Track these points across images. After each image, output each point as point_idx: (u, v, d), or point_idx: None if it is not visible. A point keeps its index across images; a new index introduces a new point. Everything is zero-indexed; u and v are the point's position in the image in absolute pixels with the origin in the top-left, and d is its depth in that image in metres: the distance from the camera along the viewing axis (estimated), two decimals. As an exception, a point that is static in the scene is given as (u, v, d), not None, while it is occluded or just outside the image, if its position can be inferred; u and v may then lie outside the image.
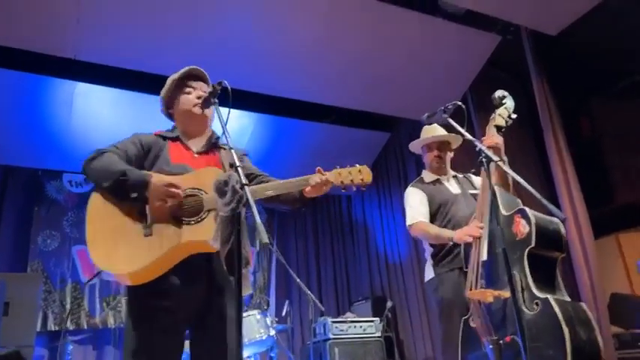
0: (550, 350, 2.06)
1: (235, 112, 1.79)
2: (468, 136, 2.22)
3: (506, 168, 2.01)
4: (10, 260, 5.15)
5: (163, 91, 2.07)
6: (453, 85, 5.07)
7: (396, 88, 5.13)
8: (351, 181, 1.79)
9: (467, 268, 2.56)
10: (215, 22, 4.21)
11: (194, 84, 2.04)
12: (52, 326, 5.05)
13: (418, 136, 3.24)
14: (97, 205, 1.77)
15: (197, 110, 1.97)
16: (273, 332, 4.02)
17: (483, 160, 2.07)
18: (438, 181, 3.08)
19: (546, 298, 2.19)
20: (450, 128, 2.52)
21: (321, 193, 1.83)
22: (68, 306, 5.18)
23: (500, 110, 2.56)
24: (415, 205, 2.98)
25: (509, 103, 2.58)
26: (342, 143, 5.86)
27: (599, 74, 4.91)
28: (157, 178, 1.73)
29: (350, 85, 5.07)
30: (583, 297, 3.94)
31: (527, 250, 2.32)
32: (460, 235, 2.61)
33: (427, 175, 3.15)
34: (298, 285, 4.35)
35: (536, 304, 2.20)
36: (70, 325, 5.13)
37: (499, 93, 2.59)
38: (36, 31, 4.01)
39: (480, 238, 2.44)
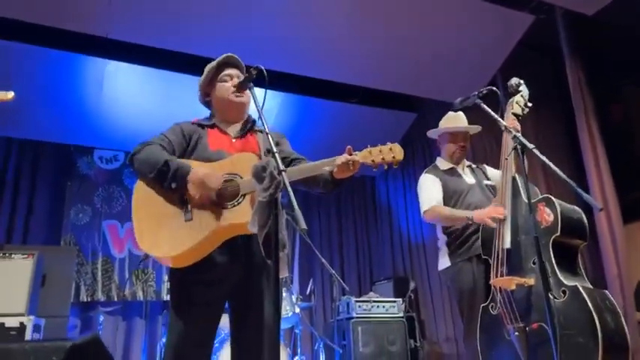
0: (580, 338, 2.07)
1: (260, 92, 1.82)
2: (503, 123, 2.21)
3: (542, 156, 1.99)
4: (44, 233, 5.33)
5: (201, 80, 2.12)
6: (483, 66, 4.98)
7: (422, 69, 5.06)
8: (382, 159, 1.80)
9: (485, 255, 2.58)
10: (245, 2, 4.20)
11: (230, 72, 2.07)
12: (84, 297, 5.25)
13: (443, 118, 3.19)
14: (142, 192, 1.83)
15: (234, 98, 2.02)
16: (298, 310, 4.12)
17: (518, 147, 2.06)
18: (453, 169, 3.04)
19: (575, 286, 2.20)
20: (475, 112, 2.50)
21: (351, 174, 1.83)
22: (99, 278, 5.36)
23: (517, 98, 2.55)
24: (429, 190, 2.95)
25: (525, 91, 2.57)
26: (368, 124, 5.84)
27: (634, 59, 4.77)
28: (194, 171, 1.76)
29: (376, 65, 5.02)
30: (609, 283, 3.91)
31: (552, 238, 2.33)
32: (481, 216, 2.57)
33: (442, 163, 3.10)
34: (321, 264, 4.41)
35: (564, 291, 2.21)
36: (101, 297, 5.32)
37: (515, 81, 2.57)
38: (68, 9, 4.06)
39: (503, 220, 2.44)
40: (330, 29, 4.56)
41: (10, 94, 2.12)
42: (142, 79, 5.07)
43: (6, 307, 3.20)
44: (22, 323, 3.15)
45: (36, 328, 3.29)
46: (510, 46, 4.83)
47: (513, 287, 2.32)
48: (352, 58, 4.91)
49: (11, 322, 3.14)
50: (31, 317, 3.21)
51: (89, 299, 5.27)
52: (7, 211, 5.21)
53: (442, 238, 2.98)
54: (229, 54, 2.10)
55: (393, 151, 1.81)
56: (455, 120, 3.10)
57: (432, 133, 3.20)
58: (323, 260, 4.24)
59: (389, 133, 6.16)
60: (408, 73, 5.12)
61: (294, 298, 4.13)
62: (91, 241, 5.46)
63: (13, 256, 3.37)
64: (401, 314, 4.68)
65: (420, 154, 6.00)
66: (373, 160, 1.79)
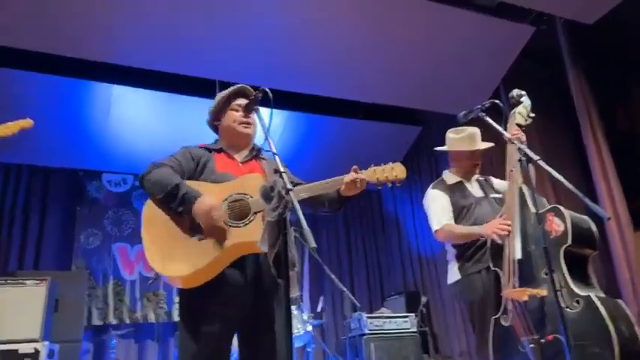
0: (596, 348, 2.05)
1: (265, 112, 1.88)
2: (507, 135, 2.22)
3: (547, 167, 2.00)
4: (55, 258, 5.37)
5: (212, 106, 2.18)
6: (486, 78, 5.02)
7: (425, 82, 5.10)
8: (386, 177, 1.92)
9: (494, 267, 2.56)
10: (247, 23, 4.27)
11: (241, 102, 2.13)
12: (96, 321, 5.26)
13: (449, 130, 3.17)
14: (152, 212, 1.86)
15: (242, 129, 2.09)
16: (309, 328, 4.10)
17: (522, 158, 2.07)
18: (460, 183, 3.01)
19: (588, 296, 2.18)
20: (478, 125, 2.50)
21: (357, 192, 1.93)
22: (111, 301, 5.38)
23: (519, 109, 2.55)
24: (439, 208, 2.92)
25: (527, 101, 2.58)
26: (373, 138, 5.87)
27: (637, 63, 4.78)
28: (200, 202, 1.78)
29: (380, 80, 5.06)
30: (622, 289, 3.87)
31: (563, 248, 2.32)
32: (486, 230, 2.56)
33: (449, 177, 3.06)
34: (331, 281, 4.39)
35: (577, 301, 2.19)
36: (113, 320, 5.33)
37: (516, 92, 2.58)
38: (72, 36, 4.14)
39: (507, 235, 2.43)
40: (333, 47, 4.62)
41: (30, 122, 2.18)
42: (148, 102, 5.16)
43: (20, 334, 3.22)
44: (36, 349, 3.17)
45: (50, 353, 3.30)
46: (512, 58, 4.87)
47: (526, 298, 2.30)
48: (356, 74, 4.95)
49: (25, 349, 3.16)
50: (45, 343, 3.23)
51: (101, 322, 5.29)
52: (18, 237, 5.27)
53: (451, 251, 2.96)
54: (242, 85, 2.15)
55: (394, 170, 1.93)
56: (470, 138, 2.99)
57: (444, 149, 3.15)
58: (333, 277, 4.23)
59: (394, 147, 6.19)
60: (412, 87, 5.16)
61: (305, 316, 4.12)
62: (101, 264, 5.49)
63: (26, 282, 3.40)
64: (414, 329, 4.63)
65: (426, 166, 6.00)
66: (378, 179, 1.92)
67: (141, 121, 5.25)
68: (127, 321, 5.40)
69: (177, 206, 1.80)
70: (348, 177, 1.88)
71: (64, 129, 5.19)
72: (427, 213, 2.99)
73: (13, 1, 3.75)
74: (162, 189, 1.83)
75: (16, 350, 3.15)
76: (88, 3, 3.89)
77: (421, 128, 6.21)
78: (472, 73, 4.98)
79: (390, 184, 1.94)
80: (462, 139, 3.01)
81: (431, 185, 3.09)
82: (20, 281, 3.40)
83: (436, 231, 2.89)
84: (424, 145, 6.12)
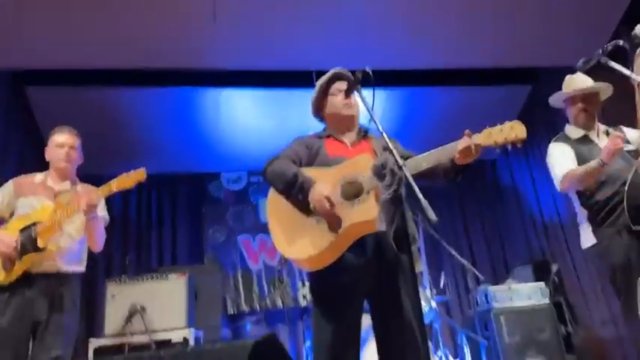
0: None
1: (368, 93, 1.86)
2: (636, 78, 1.99)
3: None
4: (189, 254, 5.90)
5: (312, 97, 2.23)
6: (601, 22, 4.51)
7: (533, 36, 4.72)
8: (505, 138, 1.74)
9: (636, 226, 2.32)
10: (336, 9, 4.28)
11: (339, 85, 2.15)
12: (231, 310, 5.70)
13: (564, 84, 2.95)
14: (275, 201, 1.98)
15: (344, 111, 2.11)
16: (434, 304, 4.06)
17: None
18: (585, 137, 2.77)
19: None
20: (603, 73, 2.27)
21: (473, 158, 1.81)
22: (242, 291, 5.79)
23: None
24: (560, 159, 2.72)
25: None
26: (479, 105, 5.58)
27: None
28: (317, 187, 1.84)
29: (480, 41, 4.78)
30: None
31: None
32: (603, 156, 2.42)
33: (572, 131, 2.84)
34: (450, 255, 4.29)
35: None
36: (245, 308, 5.74)
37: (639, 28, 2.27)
38: (177, 50, 4.47)
39: (621, 147, 2.28)
40: (427, 15, 4.45)
41: (143, 173, 2.46)
42: (253, 101, 5.41)
43: (169, 323, 3.59)
44: (185, 337, 3.51)
45: (196, 340, 3.64)
46: (631, -8, 4.32)
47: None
48: (452, 39, 4.73)
49: (176, 337, 3.52)
50: (192, 330, 3.57)
51: (235, 311, 5.71)
52: (156, 238, 5.88)
53: (582, 213, 2.74)
54: (337, 68, 2.18)
55: (514, 130, 1.74)
56: (570, 82, 2.86)
57: (552, 101, 2.98)
58: (452, 251, 4.14)
59: (503, 111, 5.81)
60: (518, 43, 4.80)
61: (427, 292, 4.08)
62: (229, 257, 5.92)
63: (168, 277, 3.77)
64: (547, 300, 4.37)
65: (542, 127, 5.57)
66: (495, 141, 1.74)
67: (249, 120, 5.53)
68: (258, 308, 5.78)
69: (297, 194, 1.89)
70: (462, 143, 1.77)
71: (182, 136, 5.64)
72: (550, 168, 2.80)
73: (123, 25, 4.13)
74: (282, 180, 1.93)
75: (169, 339, 3.52)
76: (185, 17, 4.16)
77: (531, 87, 5.78)
78: (586, 18, 4.51)
79: (509, 146, 1.75)
80: (564, 85, 2.82)
81: (553, 140, 2.89)
82: (163, 276, 3.79)
83: (560, 182, 2.70)
84: (537, 104, 5.67)
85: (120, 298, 3.64)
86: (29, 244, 2.50)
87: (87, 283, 5.36)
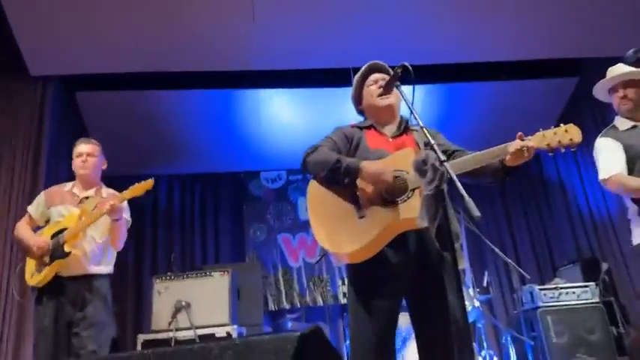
0: None
1: (407, 89, 1.84)
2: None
3: None
4: (231, 252, 6.02)
5: (352, 92, 2.23)
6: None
7: (581, 26, 4.55)
8: (559, 142, 1.70)
9: None
10: (373, 6, 4.26)
11: (375, 76, 2.14)
12: (272, 306, 5.77)
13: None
14: (315, 193, 1.98)
15: (380, 102, 2.08)
16: (477, 303, 3.98)
17: None
18: (635, 127, 2.65)
19: None
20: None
21: (524, 160, 1.76)
22: (282, 288, 5.85)
23: None
24: (608, 156, 2.62)
25: None
26: (522, 99, 5.44)
27: None
28: (366, 164, 1.85)
29: (524, 33, 4.65)
30: None
31: None
32: None
33: (621, 122, 2.72)
34: (493, 253, 4.18)
35: None
36: (286, 305, 5.80)
37: None
38: (218, 51, 4.56)
39: None
40: (469, 7, 4.35)
41: (151, 182, 2.60)
42: (291, 100, 5.46)
43: (213, 319, 3.66)
44: (228, 333, 3.58)
45: (239, 336, 3.70)
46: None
47: None
48: (494, 32, 4.62)
49: (219, 333, 3.59)
50: (235, 327, 3.63)
51: (276, 308, 5.78)
52: (199, 236, 6.03)
53: (633, 209, 2.62)
54: (373, 61, 2.16)
55: (569, 133, 1.71)
56: (611, 71, 2.76)
57: (596, 93, 2.88)
58: (496, 250, 4.05)
59: (548, 105, 5.66)
60: (564, 34, 4.64)
61: (470, 291, 4.00)
62: (270, 254, 6.00)
63: (212, 274, 3.86)
64: (596, 299, 4.21)
65: (590, 120, 5.36)
66: (549, 145, 1.71)
67: (287, 119, 5.58)
68: (298, 305, 5.82)
69: (343, 179, 1.86)
70: (514, 145, 1.71)
71: (222, 137, 5.76)
72: (597, 163, 2.70)
73: (164, 31, 4.25)
74: (324, 166, 1.91)
75: (213, 334, 3.60)
76: (229, 20, 4.24)
77: (578, 79, 5.57)
78: (633, 6, 4.31)
79: (563, 150, 1.72)
80: (607, 76, 2.72)
81: (601, 133, 2.78)
82: (208, 273, 3.87)
83: (603, 180, 2.60)
84: (585, 96, 5.46)
85: (166, 295, 3.75)
86: (58, 249, 2.71)
87: (135, 281, 5.62)
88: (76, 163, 2.98)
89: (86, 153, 2.97)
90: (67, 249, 2.69)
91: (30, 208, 3.01)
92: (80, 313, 2.71)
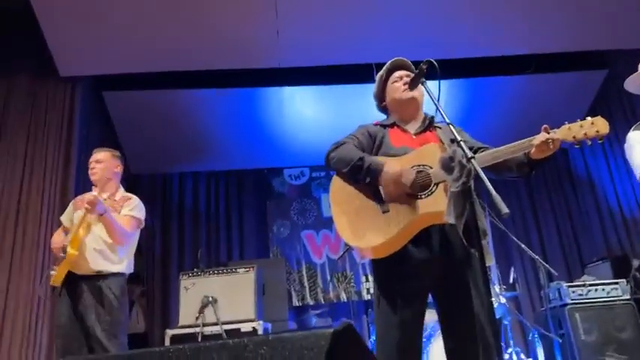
0: None
1: (433, 85, 1.83)
2: None
3: None
4: (256, 248, 6.08)
5: (374, 89, 2.23)
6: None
7: (609, 18, 4.44)
8: (585, 135, 1.68)
9: None
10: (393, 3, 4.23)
11: (400, 73, 2.14)
12: (296, 302, 5.81)
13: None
14: (338, 188, 1.98)
15: (404, 95, 2.07)
16: (503, 300, 3.94)
17: None
18: None
19: None
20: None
21: (550, 153, 1.75)
22: (306, 284, 5.88)
23: None
24: None
25: None
26: (549, 93, 5.34)
27: None
28: (387, 170, 1.84)
29: (548, 26, 4.56)
30: None
31: None
32: None
33: None
34: (520, 249, 4.12)
35: None
36: (310, 301, 5.83)
37: None
38: (242, 51, 4.60)
39: None
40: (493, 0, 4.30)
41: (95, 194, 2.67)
42: (314, 97, 5.46)
43: (239, 315, 3.71)
44: (254, 328, 3.63)
45: (265, 331, 3.74)
46: None
47: None
48: (520, 25, 4.54)
49: (245, 328, 3.64)
50: (260, 322, 3.67)
51: (300, 304, 5.82)
52: (224, 233, 6.09)
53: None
54: (396, 58, 2.16)
55: (596, 125, 1.68)
56: None
57: (627, 86, 2.80)
58: (523, 246, 3.99)
59: (576, 98, 5.55)
60: (592, 26, 4.54)
61: (497, 288, 3.96)
62: (293, 251, 6.03)
63: (237, 270, 3.90)
64: (627, 296, 4.12)
65: (620, 114, 5.23)
66: (574, 137, 1.69)
67: (310, 116, 5.59)
68: (322, 301, 5.85)
69: (364, 177, 1.87)
70: (539, 138, 1.69)
71: (246, 134, 5.81)
72: (629, 159, 2.64)
73: (187, 31, 4.30)
74: (347, 163, 1.91)
75: (239, 329, 3.65)
76: (252, 18, 4.27)
77: (607, 71, 5.43)
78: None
79: (589, 142, 1.70)
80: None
81: (632, 127, 2.71)
82: (233, 270, 3.92)
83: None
84: (614, 89, 5.33)
85: (192, 291, 3.81)
86: (64, 249, 2.81)
87: (161, 277, 5.72)
88: (89, 172, 3.13)
89: (94, 160, 3.10)
90: (67, 249, 2.78)
91: (61, 218, 3.19)
92: (93, 310, 2.78)
